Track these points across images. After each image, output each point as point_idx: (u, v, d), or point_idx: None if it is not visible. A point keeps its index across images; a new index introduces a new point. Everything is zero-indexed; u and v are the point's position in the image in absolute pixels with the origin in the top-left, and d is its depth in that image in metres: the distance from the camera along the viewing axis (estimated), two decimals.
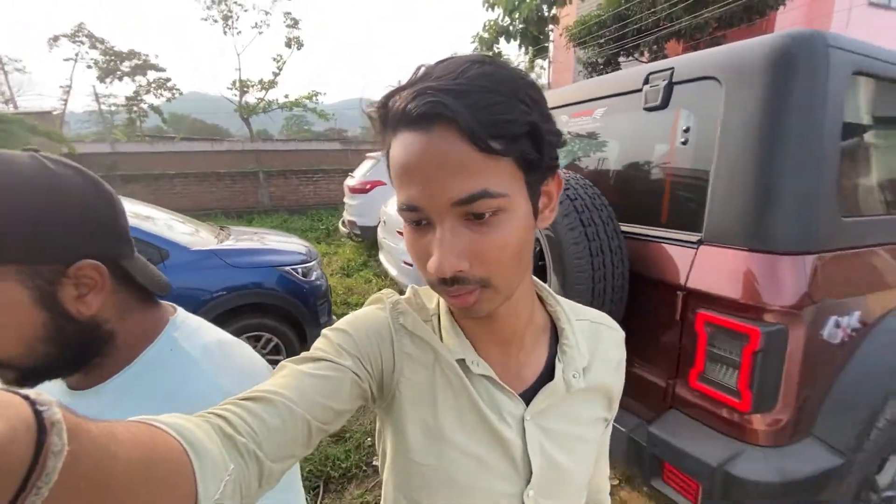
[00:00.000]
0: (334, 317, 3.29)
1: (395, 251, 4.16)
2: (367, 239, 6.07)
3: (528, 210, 0.43)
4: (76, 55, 20.39)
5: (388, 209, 4.57)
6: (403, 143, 0.39)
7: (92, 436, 0.23)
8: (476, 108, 0.36)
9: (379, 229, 4.92)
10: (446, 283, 0.41)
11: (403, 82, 0.41)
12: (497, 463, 0.50)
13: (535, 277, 0.54)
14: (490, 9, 12.01)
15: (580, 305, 0.59)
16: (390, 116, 0.40)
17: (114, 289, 0.56)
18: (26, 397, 0.20)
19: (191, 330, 0.63)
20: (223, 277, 2.73)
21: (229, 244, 3.02)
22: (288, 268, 2.97)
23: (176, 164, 11.66)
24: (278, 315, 2.90)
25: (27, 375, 0.53)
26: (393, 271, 4.25)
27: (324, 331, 0.49)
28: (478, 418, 0.49)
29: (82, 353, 0.55)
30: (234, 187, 11.49)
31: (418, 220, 0.41)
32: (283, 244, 3.32)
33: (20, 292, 0.48)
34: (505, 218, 0.40)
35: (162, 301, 0.65)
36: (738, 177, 1.21)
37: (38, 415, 0.20)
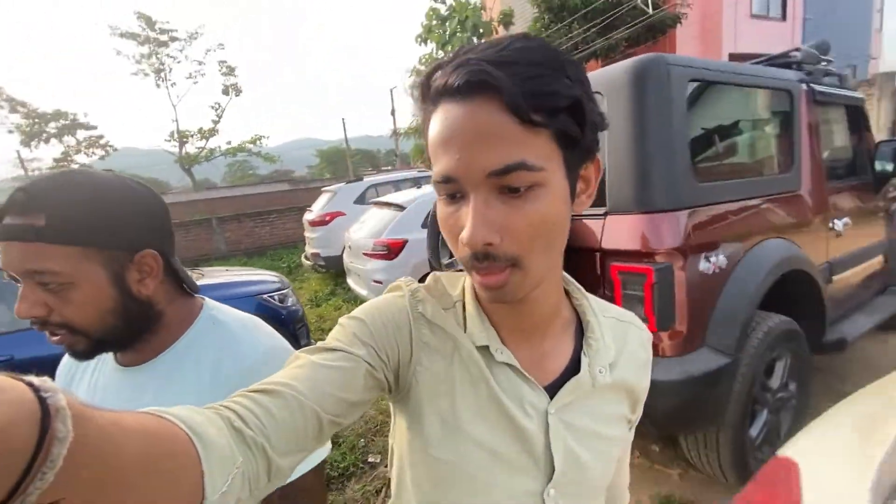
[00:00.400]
0: (313, 340, 3.48)
1: (363, 272, 4.35)
2: (333, 268, 6.19)
3: (565, 190, 0.41)
4: None
5: (352, 234, 4.80)
6: (443, 115, 0.39)
7: (97, 424, 0.22)
8: (521, 78, 0.36)
9: (345, 255, 5.05)
10: (477, 259, 0.40)
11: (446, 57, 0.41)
12: (516, 457, 0.48)
13: (564, 272, 0.53)
14: (423, 43, 12.80)
15: (607, 303, 0.58)
16: (433, 90, 0.40)
17: (163, 278, 0.67)
18: (30, 384, 0.20)
19: (224, 310, 0.74)
20: None
21: (206, 281, 3.17)
22: (265, 296, 3.13)
23: None
24: None
25: (95, 344, 0.62)
26: (363, 292, 4.41)
27: (340, 319, 0.49)
28: (498, 410, 0.47)
29: (139, 328, 0.65)
30: (187, 237, 11.24)
31: (453, 192, 0.40)
32: (255, 276, 3.49)
33: (101, 272, 0.59)
34: (542, 193, 0.39)
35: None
36: (623, 162, 1.64)
37: (42, 401, 0.20)
